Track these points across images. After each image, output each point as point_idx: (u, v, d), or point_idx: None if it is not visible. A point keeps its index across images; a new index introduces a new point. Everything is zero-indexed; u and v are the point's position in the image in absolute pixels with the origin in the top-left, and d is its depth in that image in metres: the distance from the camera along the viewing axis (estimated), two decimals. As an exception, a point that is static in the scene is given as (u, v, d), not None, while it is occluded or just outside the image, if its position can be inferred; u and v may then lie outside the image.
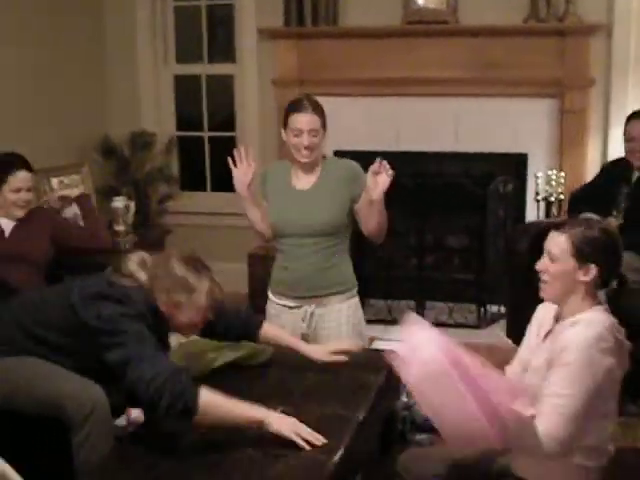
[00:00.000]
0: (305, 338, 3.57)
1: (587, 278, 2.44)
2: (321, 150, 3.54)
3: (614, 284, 2.57)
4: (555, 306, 2.57)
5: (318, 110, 3.48)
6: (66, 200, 4.60)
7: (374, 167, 3.35)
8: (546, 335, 2.58)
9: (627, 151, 4.60)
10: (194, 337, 3.35)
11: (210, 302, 2.91)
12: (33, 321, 2.92)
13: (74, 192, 4.82)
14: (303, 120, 3.42)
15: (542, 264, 2.51)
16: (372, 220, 3.50)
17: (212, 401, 2.65)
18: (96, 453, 2.76)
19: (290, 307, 3.61)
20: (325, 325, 3.57)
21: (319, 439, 2.66)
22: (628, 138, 4.58)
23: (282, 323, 3.60)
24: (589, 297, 2.48)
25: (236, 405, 2.69)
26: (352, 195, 3.51)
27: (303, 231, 3.51)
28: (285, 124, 3.52)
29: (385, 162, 3.35)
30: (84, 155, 5.45)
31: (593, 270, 2.43)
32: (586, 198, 4.65)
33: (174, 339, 3.35)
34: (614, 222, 4.23)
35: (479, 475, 2.59)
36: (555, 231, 2.49)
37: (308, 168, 3.55)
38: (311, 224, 3.49)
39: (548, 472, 2.50)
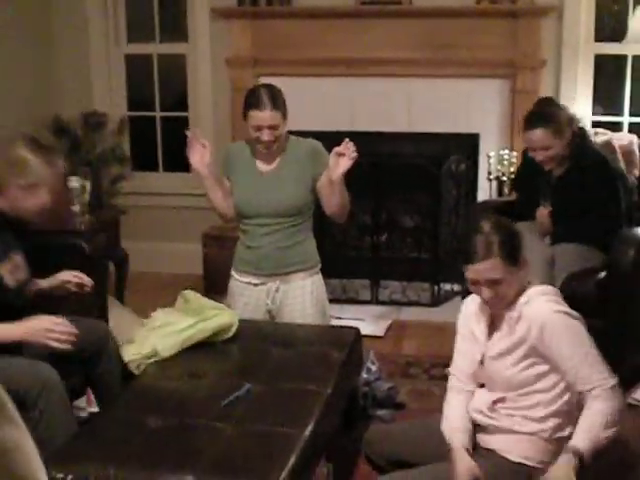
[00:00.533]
0: (270, 314, 3.62)
1: (527, 269, 2.54)
2: (283, 136, 3.56)
3: None
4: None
5: (278, 104, 3.49)
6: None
7: (339, 148, 3.38)
8: (494, 326, 2.64)
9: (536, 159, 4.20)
10: (162, 316, 3.36)
11: (55, 188, 3.01)
12: None
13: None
14: (262, 117, 3.45)
15: (488, 295, 2.51)
16: (333, 200, 3.56)
17: None
18: (52, 430, 2.76)
19: (255, 284, 3.64)
20: (289, 301, 3.61)
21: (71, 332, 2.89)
22: (529, 147, 4.21)
23: (246, 300, 3.63)
24: (522, 277, 2.56)
25: None
26: (314, 173, 3.56)
27: (267, 213, 3.55)
28: (244, 116, 3.53)
29: (351, 144, 3.38)
30: (36, 135, 5.37)
31: (525, 259, 2.53)
32: (517, 187, 4.69)
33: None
34: (545, 210, 4.22)
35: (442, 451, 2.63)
36: (479, 262, 2.47)
37: (270, 153, 3.58)
38: (275, 206, 3.54)
39: (517, 444, 2.56)
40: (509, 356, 2.54)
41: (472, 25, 5.21)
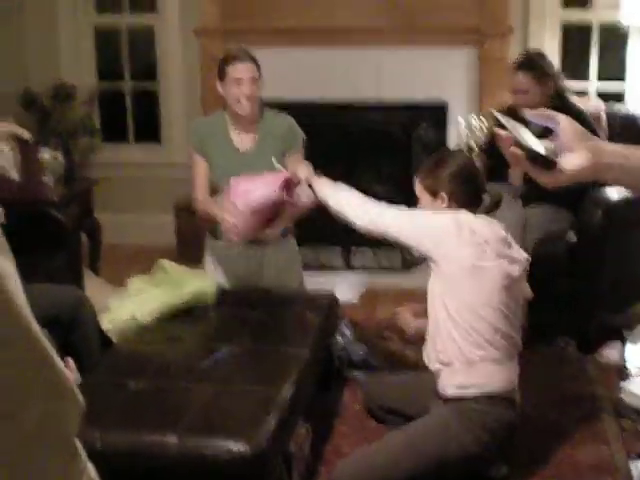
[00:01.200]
0: (250, 281, 3.68)
1: (445, 204, 2.90)
2: (259, 103, 3.59)
3: (487, 202, 3.00)
4: None
5: (255, 60, 3.57)
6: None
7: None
8: None
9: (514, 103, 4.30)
10: (139, 283, 3.40)
11: None
12: None
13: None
14: (243, 68, 3.49)
15: (418, 205, 3.03)
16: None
17: None
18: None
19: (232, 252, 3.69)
20: (266, 271, 3.66)
21: None
22: (514, 90, 4.31)
23: (230, 265, 3.68)
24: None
25: None
26: (287, 151, 3.64)
27: None
28: (222, 76, 3.55)
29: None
30: (5, 107, 5.35)
31: (444, 196, 2.89)
32: (488, 151, 4.75)
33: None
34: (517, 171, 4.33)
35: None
36: (415, 175, 3.05)
37: (246, 124, 3.61)
38: None
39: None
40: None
41: (437, -7, 5.25)
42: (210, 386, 2.74)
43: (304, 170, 3.28)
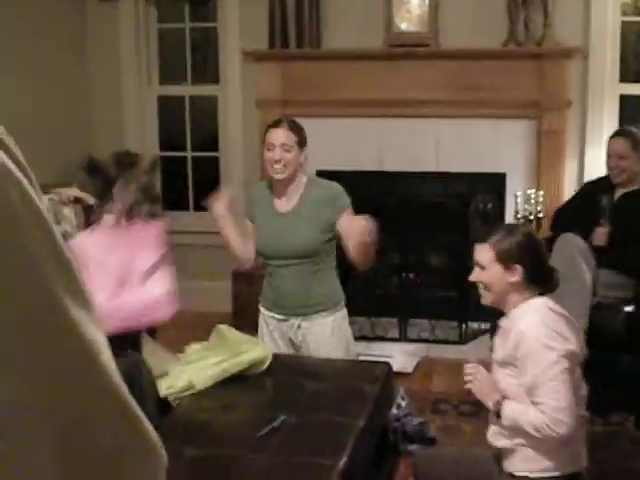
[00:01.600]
0: (296, 348, 3.68)
1: (515, 278, 2.66)
2: (299, 169, 3.62)
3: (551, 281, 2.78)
4: None
5: (295, 128, 3.61)
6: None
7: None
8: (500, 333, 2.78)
9: (607, 167, 4.71)
10: (197, 350, 3.43)
11: None
12: None
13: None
14: (276, 135, 3.56)
15: (473, 275, 2.76)
16: (353, 251, 3.52)
17: None
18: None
19: (279, 320, 3.72)
20: (311, 338, 3.68)
21: None
22: (607, 154, 4.71)
23: (271, 332, 3.70)
24: (525, 292, 2.69)
25: None
26: (331, 218, 3.58)
27: (284, 254, 3.61)
28: (263, 142, 3.65)
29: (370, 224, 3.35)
30: (70, 174, 5.50)
31: (519, 270, 2.65)
32: (571, 214, 4.78)
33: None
34: (604, 230, 4.41)
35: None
36: (479, 243, 2.74)
37: (284, 188, 3.64)
38: (291, 248, 3.59)
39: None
40: (504, 369, 2.64)
41: (499, 67, 5.29)
42: (265, 456, 2.73)
43: (364, 226, 3.26)
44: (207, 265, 6.06)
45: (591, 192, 4.73)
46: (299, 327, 3.68)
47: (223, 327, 3.50)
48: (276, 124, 3.61)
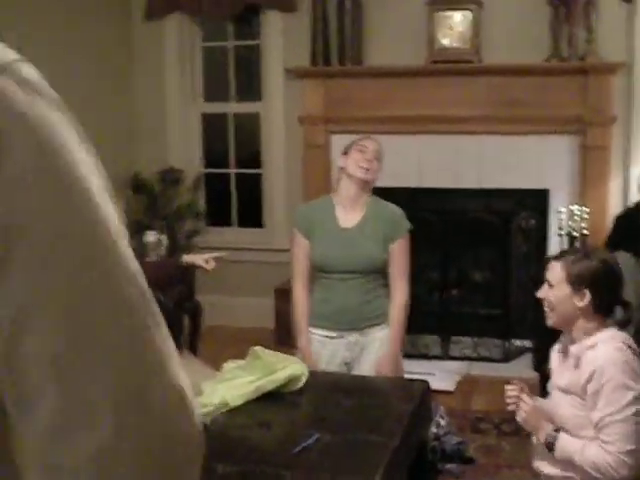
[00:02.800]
0: (348, 366, 3.68)
1: (583, 303, 2.57)
2: (370, 185, 3.74)
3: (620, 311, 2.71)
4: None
5: (380, 148, 3.76)
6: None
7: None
8: (565, 357, 2.69)
9: None
10: (232, 367, 3.44)
11: None
12: None
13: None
14: (369, 144, 3.72)
15: (541, 292, 2.68)
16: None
17: None
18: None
19: (332, 337, 3.70)
20: (366, 353, 3.69)
21: None
22: None
23: (326, 352, 3.69)
24: (596, 320, 2.60)
25: None
26: (391, 239, 3.65)
27: (346, 268, 3.61)
28: (347, 151, 3.73)
29: None
30: (115, 191, 5.57)
31: (587, 295, 2.56)
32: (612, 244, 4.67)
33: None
34: None
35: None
36: (553, 260, 2.66)
37: (353, 203, 3.68)
38: (355, 261, 3.61)
39: None
40: (567, 395, 2.57)
41: (542, 82, 5.26)
42: (297, 473, 2.73)
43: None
44: (250, 281, 6.09)
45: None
46: (355, 343, 3.69)
47: (258, 348, 3.49)
48: (367, 137, 3.81)
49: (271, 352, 3.44)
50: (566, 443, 2.54)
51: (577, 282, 2.57)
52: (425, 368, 5.11)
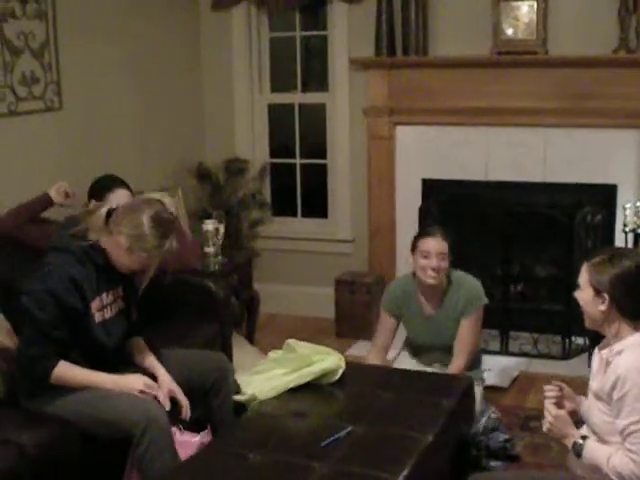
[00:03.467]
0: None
1: (604, 307, 2.53)
2: (445, 275, 3.93)
3: None
4: None
5: (446, 236, 3.91)
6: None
7: None
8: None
9: None
10: (269, 360, 3.47)
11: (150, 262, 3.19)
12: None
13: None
14: (432, 243, 3.86)
15: (576, 292, 2.67)
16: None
17: (68, 370, 3.03)
18: (155, 464, 2.89)
19: None
20: None
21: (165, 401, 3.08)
22: None
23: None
24: (626, 324, 2.55)
25: (90, 374, 3.07)
26: (464, 313, 3.95)
27: (432, 348, 4.03)
28: (413, 248, 3.93)
29: None
30: (179, 180, 5.65)
31: (607, 300, 2.52)
32: None
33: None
34: None
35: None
36: (585, 262, 2.63)
37: (432, 292, 3.97)
38: (439, 344, 3.99)
39: None
40: (599, 401, 2.52)
41: (609, 74, 5.13)
42: (327, 465, 2.74)
43: None
44: (311, 271, 6.10)
45: None
46: None
47: (292, 341, 3.52)
48: (429, 232, 3.94)
49: (306, 344, 3.47)
50: (593, 451, 2.50)
51: (597, 286, 2.54)
52: (483, 364, 5.04)
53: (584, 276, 2.60)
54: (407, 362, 4.08)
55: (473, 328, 3.97)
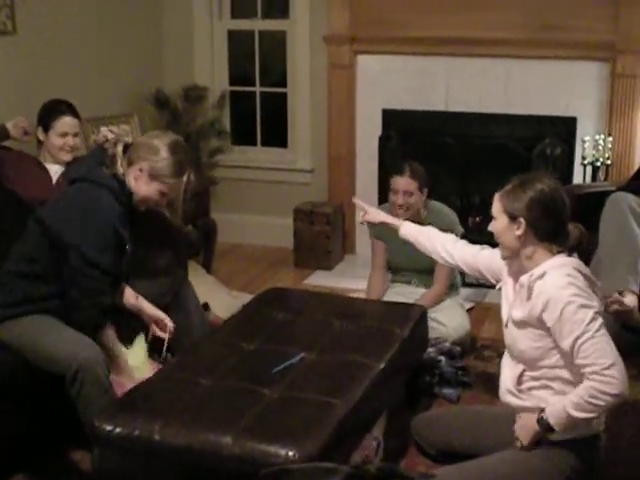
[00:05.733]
0: None
1: (520, 232, 2.55)
2: (419, 206, 4.23)
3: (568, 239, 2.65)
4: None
5: (416, 175, 4.20)
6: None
7: None
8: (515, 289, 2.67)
9: None
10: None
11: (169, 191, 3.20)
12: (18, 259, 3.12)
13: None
14: (399, 181, 4.18)
15: (490, 225, 2.68)
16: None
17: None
18: (90, 406, 2.87)
19: None
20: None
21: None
22: None
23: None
24: (543, 249, 2.57)
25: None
26: None
27: (411, 269, 4.38)
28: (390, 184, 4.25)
29: None
30: (136, 107, 5.55)
31: (523, 224, 2.55)
32: None
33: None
34: None
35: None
36: (496, 193, 2.66)
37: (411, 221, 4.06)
38: (418, 267, 4.29)
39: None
40: (523, 329, 2.54)
41: (573, 6, 5.08)
42: (276, 391, 2.75)
43: None
44: (271, 200, 6.07)
45: None
46: None
47: None
48: (399, 171, 4.20)
49: None
50: (554, 411, 2.49)
51: (512, 212, 2.56)
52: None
53: (496, 206, 2.64)
54: (391, 295, 4.34)
55: None
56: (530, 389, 2.60)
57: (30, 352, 3.00)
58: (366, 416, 2.84)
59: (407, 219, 3.96)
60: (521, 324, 2.58)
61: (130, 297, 3.30)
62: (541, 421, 2.52)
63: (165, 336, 3.25)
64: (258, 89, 6.18)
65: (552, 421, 2.49)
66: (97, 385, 2.90)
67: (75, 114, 3.95)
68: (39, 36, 4.75)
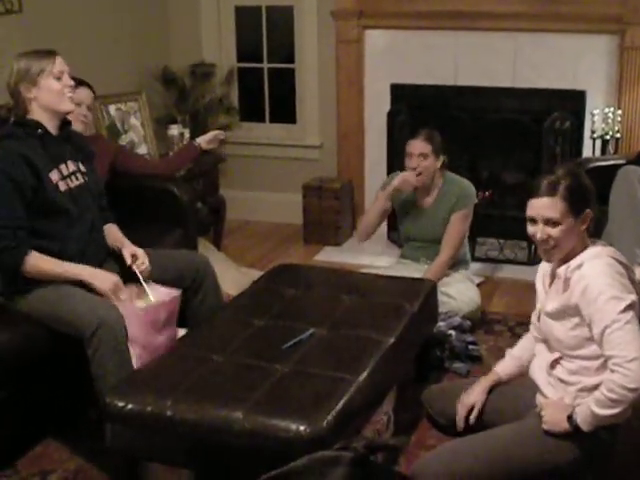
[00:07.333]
0: None
1: (587, 224, 2.49)
2: (436, 172, 4.28)
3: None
4: None
5: (431, 139, 4.23)
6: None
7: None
8: (551, 282, 2.60)
9: None
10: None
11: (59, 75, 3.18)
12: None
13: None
14: (415, 145, 4.22)
15: (543, 232, 2.48)
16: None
17: (40, 259, 3.04)
18: (104, 366, 2.90)
19: None
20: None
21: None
22: None
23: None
24: (582, 238, 2.50)
25: (63, 264, 3.08)
26: (456, 208, 4.29)
27: (423, 239, 4.39)
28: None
29: None
30: (144, 84, 5.54)
31: (590, 214, 2.48)
32: None
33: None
34: None
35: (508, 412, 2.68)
36: (540, 197, 2.46)
37: (424, 189, 4.30)
38: (430, 236, 4.34)
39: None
40: (561, 318, 2.51)
41: (581, -22, 5.05)
42: (287, 366, 2.77)
43: None
44: (280, 177, 6.07)
45: None
46: None
47: None
48: (415, 135, 4.24)
49: None
50: (581, 410, 2.43)
51: (577, 209, 2.46)
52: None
53: (560, 208, 2.43)
54: (400, 269, 4.27)
55: (460, 224, 4.28)
56: (561, 381, 2.57)
57: (50, 318, 3.05)
58: (376, 391, 2.85)
59: (421, 186, 4.21)
60: (556, 315, 2.53)
61: (111, 237, 3.41)
62: (571, 420, 2.45)
63: (138, 272, 3.28)
64: (266, 65, 6.16)
65: (579, 419, 2.43)
66: (114, 344, 2.93)
67: (91, 88, 3.98)
68: (45, 15, 4.74)
